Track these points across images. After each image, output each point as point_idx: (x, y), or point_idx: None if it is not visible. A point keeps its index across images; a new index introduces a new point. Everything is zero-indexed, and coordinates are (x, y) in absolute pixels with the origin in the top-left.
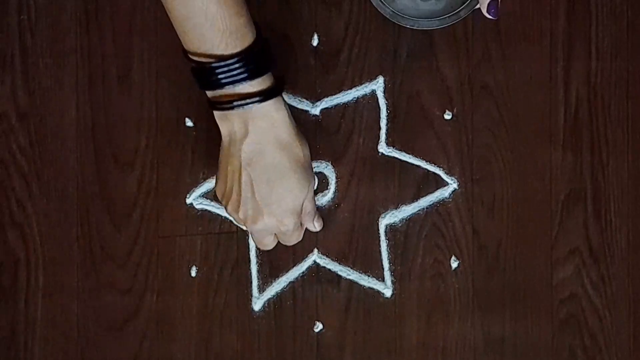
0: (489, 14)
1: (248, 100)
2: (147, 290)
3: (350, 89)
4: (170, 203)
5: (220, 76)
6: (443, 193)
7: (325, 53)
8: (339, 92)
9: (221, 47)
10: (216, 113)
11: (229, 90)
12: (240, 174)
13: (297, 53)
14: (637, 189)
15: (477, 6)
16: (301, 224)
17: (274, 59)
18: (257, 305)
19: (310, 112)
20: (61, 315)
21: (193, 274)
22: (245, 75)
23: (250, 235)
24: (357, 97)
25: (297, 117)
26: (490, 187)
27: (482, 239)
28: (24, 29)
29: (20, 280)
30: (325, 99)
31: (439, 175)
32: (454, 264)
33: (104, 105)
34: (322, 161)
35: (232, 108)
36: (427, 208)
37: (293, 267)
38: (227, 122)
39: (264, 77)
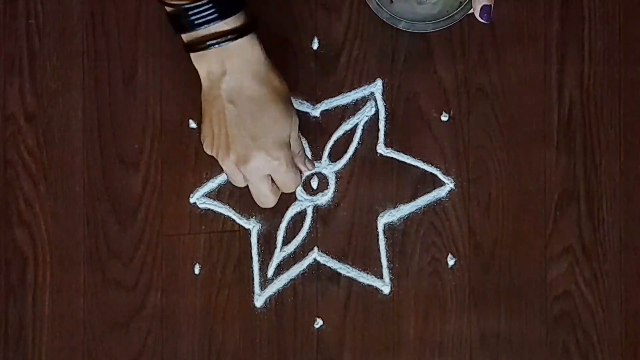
0: (482, 19)
1: (222, 39)
2: (151, 288)
3: (350, 91)
4: (174, 202)
5: (192, 18)
6: (440, 193)
7: (325, 56)
8: (339, 94)
9: None
10: (193, 55)
11: (203, 31)
12: (224, 114)
13: (298, 56)
14: (629, 189)
15: (471, 11)
16: (296, 169)
17: None
18: (258, 302)
19: (310, 114)
20: (68, 312)
21: (196, 271)
22: (217, 15)
23: (251, 192)
24: (356, 99)
25: (298, 118)
26: (486, 187)
27: (478, 238)
28: (31, 32)
29: (28, 278)
30: (325, 101)
31: (436, 176)
32: (451, 262)
33: (109, 106)
34: (322, 161)
35: (207, 47)
36: (424, 207)
37: (294, 264)
38: (204, 63)
39: (237, 15)
